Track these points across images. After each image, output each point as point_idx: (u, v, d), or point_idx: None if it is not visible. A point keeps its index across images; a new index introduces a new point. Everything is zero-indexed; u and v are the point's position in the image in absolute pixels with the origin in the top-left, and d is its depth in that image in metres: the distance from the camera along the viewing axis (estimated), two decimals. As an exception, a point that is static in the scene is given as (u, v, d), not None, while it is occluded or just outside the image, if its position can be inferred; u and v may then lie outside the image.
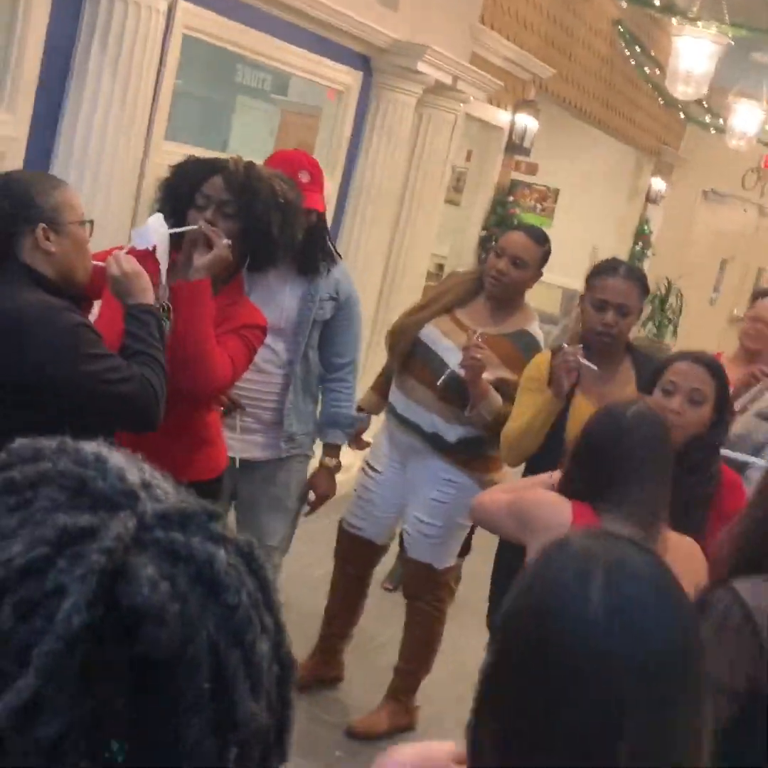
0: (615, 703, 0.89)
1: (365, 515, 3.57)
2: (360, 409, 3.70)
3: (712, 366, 2.55)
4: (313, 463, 3.44)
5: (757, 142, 9.64)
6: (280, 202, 2.54)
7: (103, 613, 0.61)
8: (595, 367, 2.83)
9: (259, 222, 2.51)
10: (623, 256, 12.15)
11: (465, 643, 3.66)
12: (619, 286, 2.95)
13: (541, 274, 3.43)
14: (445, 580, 3.52)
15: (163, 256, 2.45)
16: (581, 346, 2.91)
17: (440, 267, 9.30)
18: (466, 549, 3.67)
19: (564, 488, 2.27)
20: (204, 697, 0.63)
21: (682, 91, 7.21)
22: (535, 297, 4.43)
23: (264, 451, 3.21)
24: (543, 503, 2.25)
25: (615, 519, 2.12)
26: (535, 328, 3.41)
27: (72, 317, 2.18)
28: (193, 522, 0.67)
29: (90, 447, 0.70)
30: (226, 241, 2.48)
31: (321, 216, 3.23)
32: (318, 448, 3.46)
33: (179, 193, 2.57)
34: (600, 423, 2.28)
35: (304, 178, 3.08)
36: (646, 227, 12.32)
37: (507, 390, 3.20)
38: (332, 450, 3.42)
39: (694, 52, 6.87)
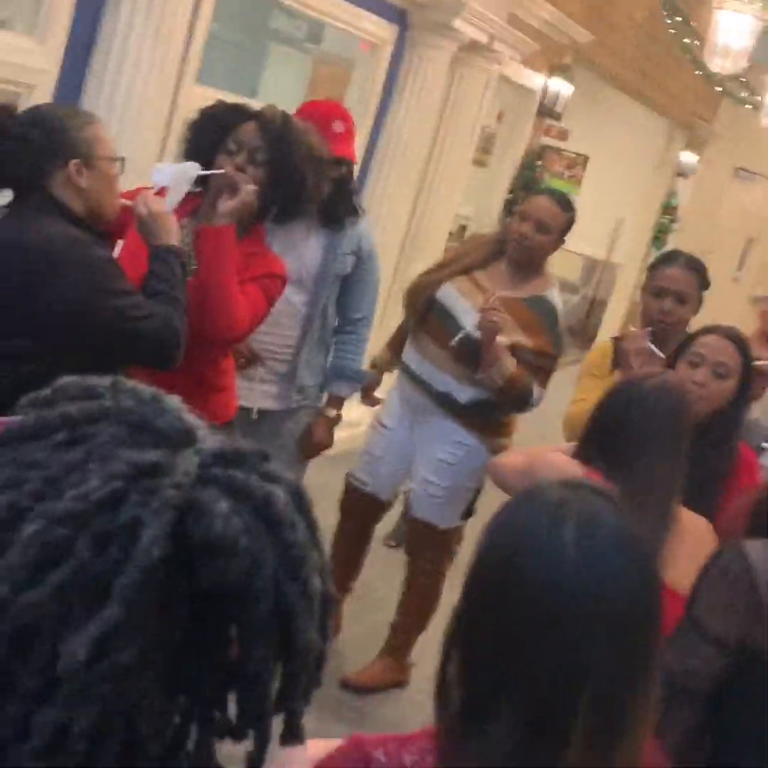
0: (582, 642, 0.94)
1: (372, 471, 3.58)
2: (373, 365, 3.70)
3: (739, 342, 2.53)
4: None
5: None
6: (314, 156, 2.53)
7: (174, 548, 0.63)
8: (661, 354, 2.80)
9: (292, 173, 2.49)
10: (649, 227, 12.06)
11: (463, 604, 3.67)
12: (678, 275, 2.99)
13: (563, 241, 3.42)
14: (446, 540, 3.54)
15: (173, 201, 2.43)
16: (649, 329, 2.89)
17: (463, 228, 9.24)
18: (469, 512, 3.69)
19: (579, 455, 2.25)
20: (267, 627, 0.66)
21: (719, 64, 7.12)
22: (555, 264, 4.41)
23: (275, 401, 3.22)
24: (554, 466, 2.24)
25: (626, 491, 2.11)
26: (555, 295, 3.39)
27: (99, 252, 2.18)
28: (248, 461, 0.69)
29: (143, 386, 0.72)
30: (252, 188, 2.46)
31: (350, 168, 3.22)
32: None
33: (208, 137, 2.55)
34: (618, 392, 2.27)
35: (337, 127, 3.07)
36: (673, 200, 12.21)
37: (521, 355, 3.20)
38: (335, 401, 3.42)
39: (734, 27, 6.77)
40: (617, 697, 0.95)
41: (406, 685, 3.57)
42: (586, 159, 11.96)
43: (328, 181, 2.67)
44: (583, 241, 10.31)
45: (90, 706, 0.60)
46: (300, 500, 0.70)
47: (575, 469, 2.20)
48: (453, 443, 3.40)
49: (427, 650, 3.55)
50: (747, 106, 9.82)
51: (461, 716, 0.99)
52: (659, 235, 12.15)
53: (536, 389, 3.26)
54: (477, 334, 3.15)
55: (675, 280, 2.99)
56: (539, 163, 8.61)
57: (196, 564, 0.64)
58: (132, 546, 0.62)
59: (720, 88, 10.08)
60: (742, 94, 9.79)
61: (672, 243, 12.55)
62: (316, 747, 1.12)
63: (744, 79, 9.62)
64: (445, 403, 3.36)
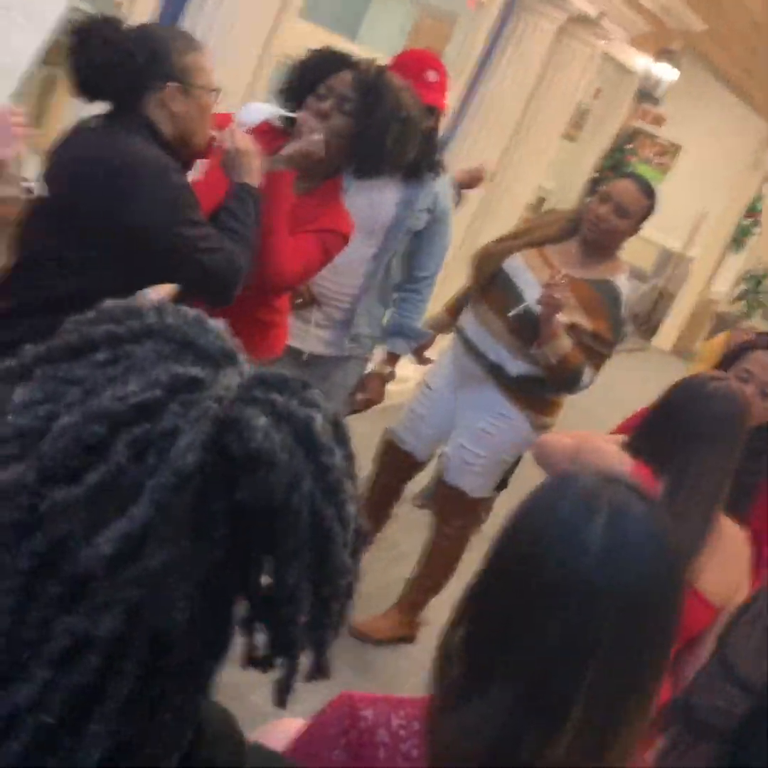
0: (592, 632, 0.95)
1: (413, 429, 3.60)
2: (430, 326, 3.70)
3: None
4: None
5: None
6: (403, 115, 2.50)
7: (211, 461, 0.63)
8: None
9: (375, 129, 2.46)
10: (730, 226, 11.84)
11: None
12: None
13: (640, 229, 3.37)
14: (475, 508, 3.56)
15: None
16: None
17: (542, 200, 9.15)
18: (503, 484, 3.70)
19: (629, 446, 2.21)
20: (304, 546, 0.66)
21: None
22: (629, 250, 4.36)
23: (328, 347, 3.23)
24: (603, 454, 2.20)
25: (672, 489, 2.08)
26: (623, 281, 3.35)
27: (181, 178, 2.20)
28: (290, 386, 0.69)
29: (187, 308, 0.73)
30: (317, 137, 2.43)
31: (438, 118, 3.20)
32: (377, 355, 3.48)
33: (307, 79, 2.54)
34: (679, 388, 2.23)
35: (431, 77, 3.06)
36: (759, 204, 11.97)
37: (578, 336, 3.19)
38: (391, 358, 3.44)
39: None
40: (618, 692, 0.96)
41: (412, 642, 3.62)
42: (678, 149, 11.76)
43: (415, 144, 2.64)
44: (661, 231, 10.16)
45: (113, 614, 0.60)
46: (339, 429, 0.71)
47: (624, 459, 2.17)
48: (497, 415, 3.40)
49: (440, 613, 3.60)
50: None
51: (456, 688, 1.00)
52: (738, 237, 11.93)
53: (588, 372, 3.24)
54: (537, 308, 3.14)
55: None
56: (630, 146, 8.46)
57: (234, 477, 0.64)
58: (167, 452, 0.62)
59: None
60: None
61: (750, 244, 12.33)
62: (296, 725, 1.13)
63: None
64: (496, 373, 3.36)
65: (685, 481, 2.07)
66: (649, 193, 3.32)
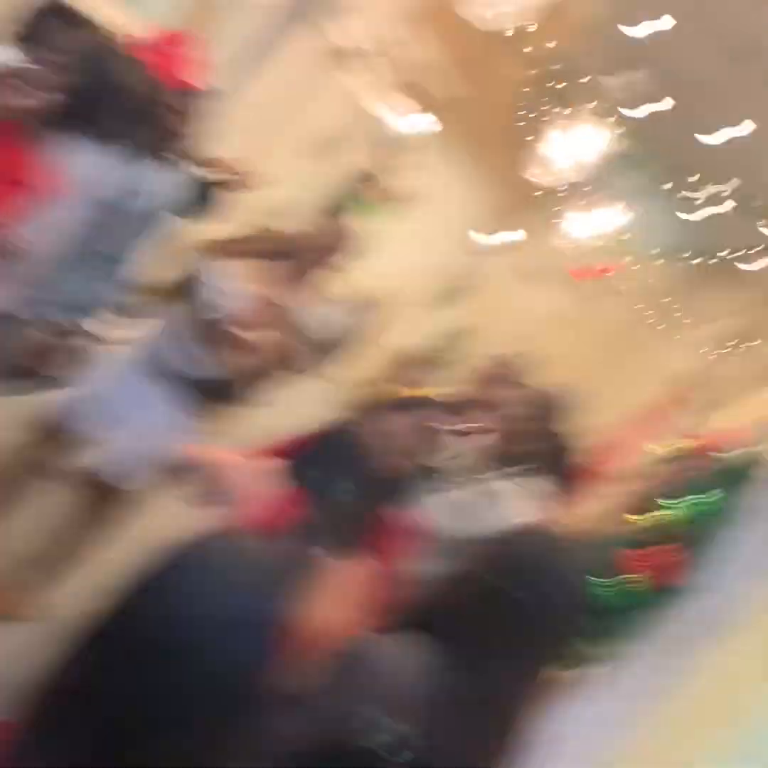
0: None
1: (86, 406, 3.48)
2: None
3: None
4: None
5: None
6: (118, 84, 2.45)
7: None
8: None
9: (90, 92, 2.40)
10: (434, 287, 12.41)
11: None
12: None
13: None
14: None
15: None
16: None
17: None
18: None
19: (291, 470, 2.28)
20: None
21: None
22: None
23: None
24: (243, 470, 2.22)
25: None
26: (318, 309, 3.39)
27: None
28: None
29: None
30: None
31: (190, 103, 3.09)
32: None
33: (40, 28, 2.43)
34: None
35: (184, 56, 2.97)
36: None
37: None
38: (80, 331, 3.35)
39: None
40: None
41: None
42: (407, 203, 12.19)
43: (132, 119, 2.56)
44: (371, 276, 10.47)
45: None
46: None
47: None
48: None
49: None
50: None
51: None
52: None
53: None
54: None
55: None
56: (361, 185, 8.65)
57: None
58: None
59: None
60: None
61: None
62: None
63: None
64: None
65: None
66: None
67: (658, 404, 8.13)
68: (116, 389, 3.45)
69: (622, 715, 2.48)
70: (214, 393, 3.33)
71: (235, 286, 3.20)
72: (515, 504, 3.00)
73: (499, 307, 12.76)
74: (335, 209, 8.36)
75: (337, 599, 2.13)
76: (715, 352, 10.24)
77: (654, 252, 10.05)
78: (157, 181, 3.16)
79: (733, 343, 10.06)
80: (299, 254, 3.34)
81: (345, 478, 2.28)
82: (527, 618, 1.51)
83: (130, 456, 3.37)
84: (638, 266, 10.50)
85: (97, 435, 3.55)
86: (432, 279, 12.28)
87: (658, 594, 2.36)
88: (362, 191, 9.17)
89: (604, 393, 6.18)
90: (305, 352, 3.40)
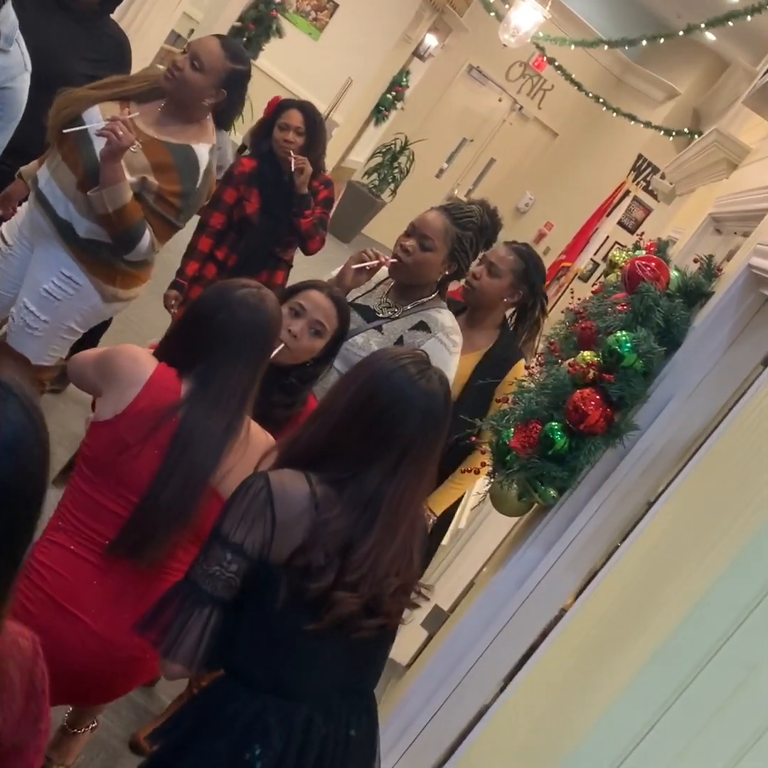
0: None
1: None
2: (18, 175, 3.40)
3: (339, 303, 2.60)
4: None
5: (529, 41, 9.70)
6: None
7: None
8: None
9: None
10: (372, 99, 12.01)
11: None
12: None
13: (224, 94, 3.16)
14: (38, 377, 3.37)
15: None
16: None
17: (191, 31, 8.72)
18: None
19: (159, 351, 2.23)
20: None
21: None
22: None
23: None
24: (128, 355, 2.17)
25: (200, 387, 2.12)
26: (204, 149, 3.17)
27: None
28: None
29: None
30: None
31: None
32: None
33: None
34: (211, 292, 2.25)
35: None
36: (404, 79, 12.21)
37: (144, 195, 3.04)
38: None
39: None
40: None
41: None
42: (336, 7, 11.62)
43: None
44: (309, 91, 10.08)
45: None
46: None
47: (149, 362, 2.17)
48: (63, 278, 3.18)
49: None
50: (491, 13, 9.89)
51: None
52: (381, 109, 12.14)
53: (148, 236, 3.10)
54: (101, 144, 2.92)
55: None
56: (278, -2, 8.23)
57: None
58: None
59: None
60: (491, 1, 9.83)
61: (390, 121, 12.61)
62: None
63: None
64: (64, 231, 3.14)
65: (212, 385, 2.10)
66: (234, 55, 3.17)
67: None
68: (13, 260, 3.30)
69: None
70: (104, 249, 3.14)
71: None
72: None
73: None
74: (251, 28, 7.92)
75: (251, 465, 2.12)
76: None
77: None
78: None
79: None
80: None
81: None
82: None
83: (31, 325, 3.23)
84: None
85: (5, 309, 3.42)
86: (366, 93, 11.85)
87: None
88: (279, 8, 8.67)
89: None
90: (191, 196, 3.18)
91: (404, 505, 1.78)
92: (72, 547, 2.08)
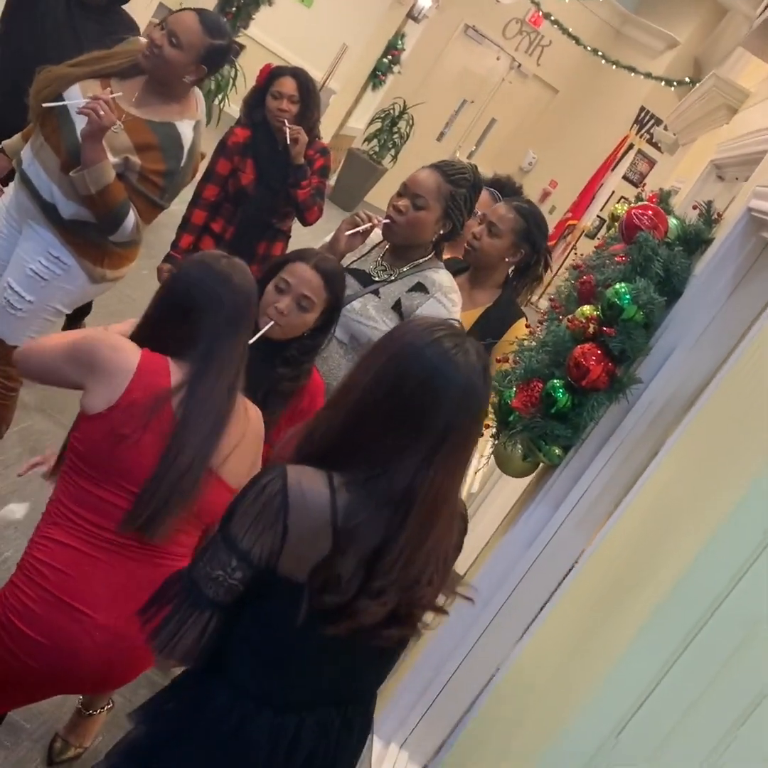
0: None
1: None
2: (1, 150, 3.35)
3: (327, 273, 2.52)
4: None
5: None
6: None
7: None
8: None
9: None
10: (368, 65, 11.87)
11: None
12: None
13: (204, 71, 3.09)
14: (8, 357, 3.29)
15: None
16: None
17: None
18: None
19: (137, 336, 2.12)
20: None
21: None
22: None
23: None
24: (108, 345, 2.06)
25: (196, 373, 2.04)
26: (187, 126, 3.11)
27: None
28: None
29: None
30: None
31: None
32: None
33: None
34: (192, 265, 2.12)
35: None
36: (400, 42, 12.06)
37: (128, 175, 2.99)
38: None
39: None
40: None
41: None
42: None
43: None
44: (303, 59, 9.97)
45: None
46: None
47: (133, 350, 2.06)
48: (51, 258, 3.13)
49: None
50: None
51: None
52: (377, 74, 12.01)
53: (132, 216, 3.04)
54: (82, 124, 2.85)
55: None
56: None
57: None
58: None
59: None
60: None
61: (388, 85, 12.47)
62: None
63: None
64: (49, 213, 3.09)
65: (212, 365, 2.04)
66: (213, 30, 3.08)
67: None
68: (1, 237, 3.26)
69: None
70: (89, 229, 3.09)
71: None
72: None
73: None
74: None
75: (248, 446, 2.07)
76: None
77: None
78: None
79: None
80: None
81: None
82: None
83: (14, 305, 3.18)
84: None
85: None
86: (362, 59, 11.71)
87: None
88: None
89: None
90: (177, 174, 3.11)
91: (439, 501, 1.58)
92: (72, 543, 2.03)
